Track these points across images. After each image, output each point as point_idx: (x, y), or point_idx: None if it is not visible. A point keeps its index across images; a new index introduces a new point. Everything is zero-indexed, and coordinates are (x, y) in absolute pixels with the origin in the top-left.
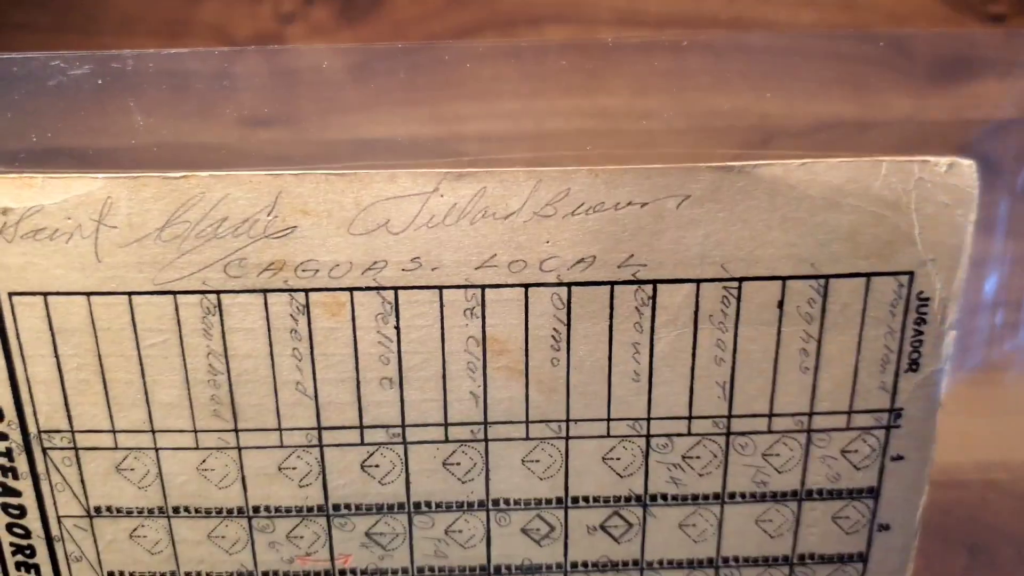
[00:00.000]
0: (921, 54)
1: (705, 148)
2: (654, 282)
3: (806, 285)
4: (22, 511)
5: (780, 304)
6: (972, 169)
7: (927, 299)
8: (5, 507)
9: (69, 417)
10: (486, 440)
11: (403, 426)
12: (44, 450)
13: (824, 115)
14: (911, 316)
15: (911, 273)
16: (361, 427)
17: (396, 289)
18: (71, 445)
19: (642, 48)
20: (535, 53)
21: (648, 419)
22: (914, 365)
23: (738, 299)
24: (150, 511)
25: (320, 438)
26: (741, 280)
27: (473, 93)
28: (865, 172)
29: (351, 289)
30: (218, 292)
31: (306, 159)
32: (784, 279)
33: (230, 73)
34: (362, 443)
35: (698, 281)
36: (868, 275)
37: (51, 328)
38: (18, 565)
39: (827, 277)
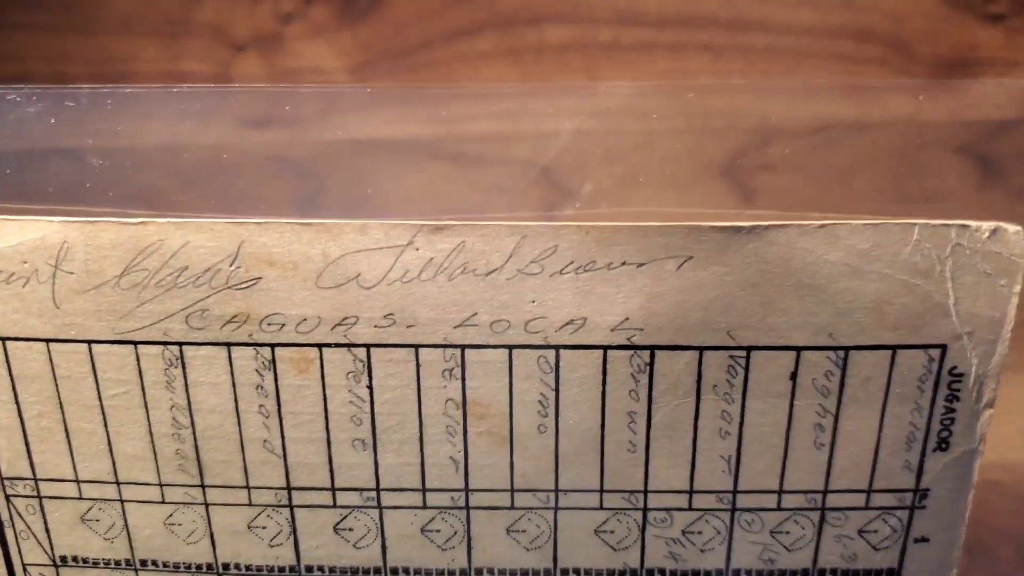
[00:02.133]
0: (921, 54)
1: (706, 148)
2: (652, 348)
3: (823, 356)
4: None
5: (793, 376)
6: (1020, 236)
7: (961, 375)
8: None
9: (32, 465)
10: (467, 508)
11: (378, 489)
12: (7, 497)
13: (824, 115)
14: (942, 392)
15: (944, 347)
16: (333, 489)
17: (368, 347)
18: (35, 493)
19: (642, 47)
20: (535, 53)
21: (645, 492)
22: (943, 444)
23: (746, 369)
24: (117, 563)
25: (290, 498)
26: (750, 349)
27: (473, 93)
28: (894, 237)
29: (320, 345)
30: (180, 344)
31: (306, 159)
32: (798, 349)
33: (185, 111)
34: (335, 505)
35: (701, 348)
36: (894, 347)
37: (11, 374)
38: None
39: (847, 348)
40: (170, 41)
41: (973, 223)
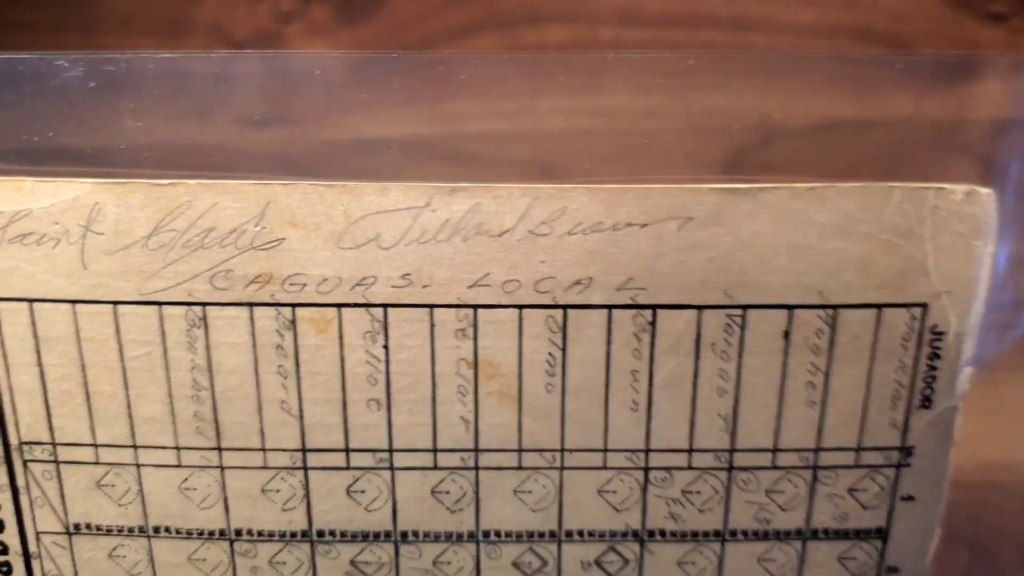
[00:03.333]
0: (922, 53)
1: (706, 148)
2: (654, 307)
3: (814, 315)
4: (0, 526)
5: (786, 334)
6: (991, 198)
7: (941, 333)
8: None
9: (51, 429)
10: (477, 468)
11: (391, 451)
12: (25, 462)
13: (825, 115)
14: (924, 350)
15: (925, 305)
16: (347, 450)
17: (386, 306)
18: (52, 458)
19: (642, 47)
20: (535, 53)
21: (647, 451)
22: (927, 402)
23: (742, 327)
24: (130, 530)
25: (305, 460)
26: (745, 308)
27: (473, 93)
28: (877, 198)
29: (339, 305)
30: (204, 304)
31: (306, 159)
32: (791, 308)
33: (228, 75)
34: (348, 467)
35: (700, 307)
36: (880, 306)
37: (35, 336)
38: None
39: (836, 307)
40: (169, 41)
41: (948, 185)
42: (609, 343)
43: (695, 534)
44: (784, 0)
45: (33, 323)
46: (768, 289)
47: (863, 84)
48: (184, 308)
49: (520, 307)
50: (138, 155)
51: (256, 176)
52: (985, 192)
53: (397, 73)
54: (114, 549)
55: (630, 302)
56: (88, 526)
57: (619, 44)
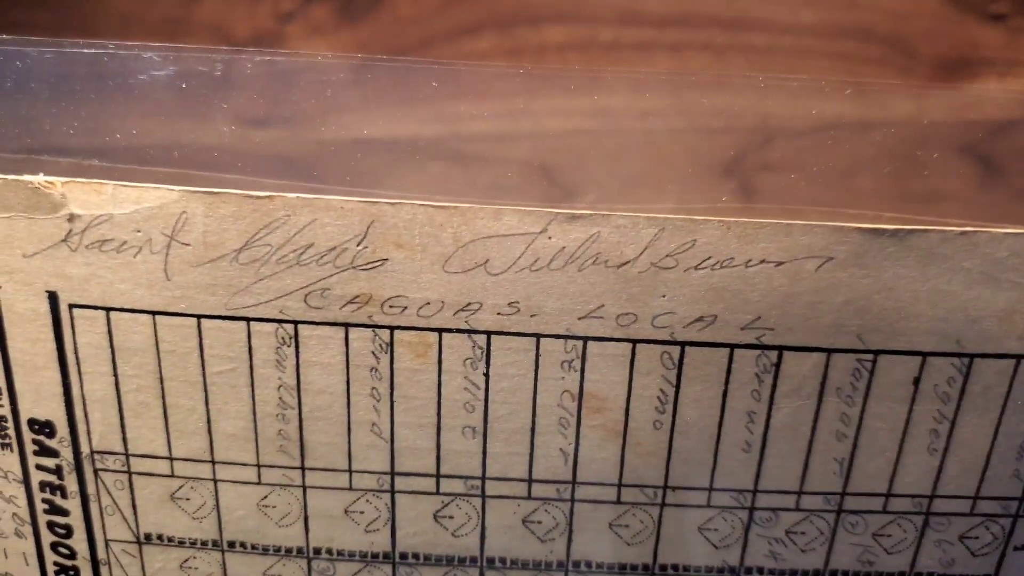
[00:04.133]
0: (922, 54)
1: (706, 148)
2: (780, 348)
3: (948, 363)
4: (68, 531)
5: (916, 381)
6: None
7: None
8: (51, 525)
9: (124, 439)
10: (572, 500)
11: (483, 478)
12: (96, 471)
13: (825, 115)
14: None
15: None
16: (438, 475)
17: (489, 334)
18: (125, 468)
19: (642, 48)
20: (535, 53)
21: (754, 492)
22: None
23: (871, 372)
24: (203, 543)
25: (392, 483)
26: (877, 352)
27: (473, 93)
28: None
29: (440, 330)
30: (296, 322)
31: (305, 160)
32: (925, 355)
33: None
34: (437, 492)
35: (830, 351)
36: (1019, 357)
37: (111, 345)
38: None
39: (972, 356)
40: (169, 40)
41: None
42: (727, 383)
43: (794, 572)
44: (784, 0)
45: (109, 332)
46: (903, 334)
47: (863, 84)
48: (274, 325)
49: (634, 341)
50: (231, 161)
51: (263, 177)
52: None
53: (397, 74)
54: (185, 561)
55: (755, 342)
56: (160, 537)
57: (619, 44)
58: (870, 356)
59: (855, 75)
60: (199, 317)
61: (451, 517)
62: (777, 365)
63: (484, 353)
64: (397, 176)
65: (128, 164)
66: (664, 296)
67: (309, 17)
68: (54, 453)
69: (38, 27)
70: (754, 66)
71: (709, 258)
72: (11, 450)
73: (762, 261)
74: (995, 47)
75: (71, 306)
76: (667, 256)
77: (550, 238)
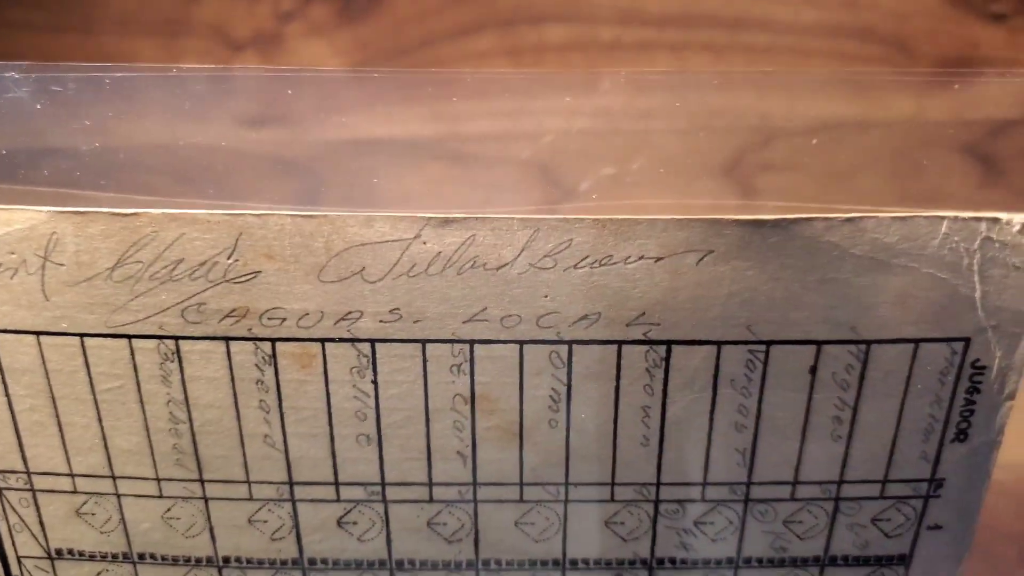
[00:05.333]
0: (923, 53)
1: (706, 148)
2: (668, 343)
3: (844, 350)
4: None
5: (813, 369)
6: None
7: (983, 367)
8: None
9: (24, 458)
10: (475, 501)
11: (383, 484)
12: (0, 490)
13: (825, 115)
14: (963, 384)
15: (967, 339)
16: (336, 483)
17: (373, 341)
18: (28, 486)
19: (642, 47)
20: (535, 52)
21: (657, 484)
22: (962, 435)
23: (765, 363)
24: (114, 556)
25: (292, 493)
26: (769, 343)
27: (473, 93)
28: (922, 230)
29: (322, 340)
30: (176, 338)
31: (305, 159)
32: (819, 343)
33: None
34: (338, 500)
35: (720, 343)
36: (916, 341)
37: (0, 367)
38: None
39: (869, 342)
40: (169, 40)
41: (1004, 215)
42: (618, 379)
43: (707, 562)
44: (784, 0)
45: None
46: (796, 324)
47: (863, 84)
48: (156, 341)
49: (521, 342)
50: (97, 179)
51: (247, 180)
52: None
53: (397, 72)
54: (99, 574)
55: (642, 338)
56: (71, 552)
57: (619, 44)
58: (762, 347)
59: (855, 75)
60: (81, 336)
61: (355, 523)
62: (667, 359)
63: (370, 361)
64: (396, 176)
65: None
66: (546, 296)
67: (309, 17)
68: None
69: (38, 27)
70: (754, 66)
71: (587, 257)
72: None
73: (640, 257)
74: (995, 47)
75: None
76: (545, 256)
77: (425, 243)
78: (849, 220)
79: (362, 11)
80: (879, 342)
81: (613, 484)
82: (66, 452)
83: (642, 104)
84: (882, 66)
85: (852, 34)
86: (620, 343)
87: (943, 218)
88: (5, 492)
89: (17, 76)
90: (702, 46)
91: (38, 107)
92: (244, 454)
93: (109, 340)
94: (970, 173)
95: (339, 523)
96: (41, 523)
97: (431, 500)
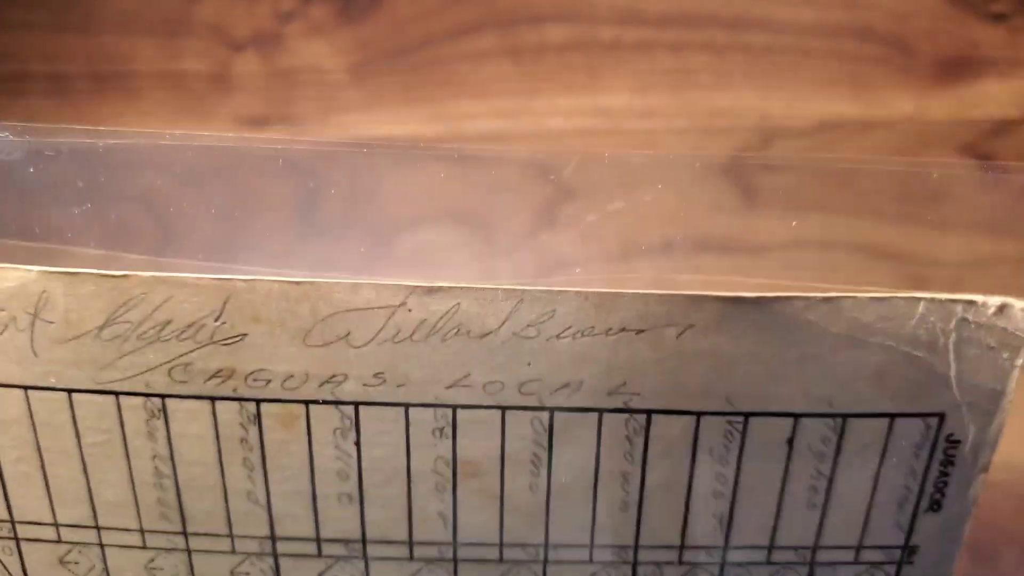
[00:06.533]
0: (923, 53)
1: (706, 148)
2: (648, 411)
3: (821, 423)
4: None
5: (790, 441)
6: None
7: (957, 441)
8: None
9: (9, 507)
10: (455, 560)
11: (364, 541)
12: None
13: (825, 114)
14: (937, 457)
15: (942, 415)
16: (318, 539)
17: (357, 404)
18: (12, 535)
19: (642, 47)
20: (535, 52)
21: (635, 547)
22: (936, 505)
23: (743, 434)
24: None
25: (274, 548)
26: (748, 415)
27: (473, 92)
28: (899, 310)
29: (307, 402)
30: (163, 396)
31: (305, 159)
32: (796, 416)
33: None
34: (320, 555)
35: (699, 414)
36: (892, 415)
37: None
38: None
39: (845, 416)
40: (169, 40)
41: (979, 298)
42: (599, 446)
43: None
44: (784, 0)
45: None
46: (774, 397)
47: (863, 84)
48: (142, 399)
49: (503, 408)
50: (86, 239)
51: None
52: (1020, 306)
53: (397, 71)
54: None
55: (623, 406)
56: None
57: (619, 44)
58: (740, 418)
59: (855, 75)
60: (69, 391)
61: None
62: (647, 428)
63: (353, 423)
64: (397, 176)
65: None
66: (529, 364)
67: (308, 17)
68: None
69: (38, 26)
70: (754, 66)
71: (570, 327)
72: None
73: (622, 329)
74: (995, 47)
75: None
76: (528, 326)
77: (410, 311)
78: (827, 299)
79: (362, 11)
80: (856, 416)
81: (592, 546)
82: (51, 502)
83: (642, 104)
84: (882, 66)
85: (852, 34)
86: (601, 411)
87: (919, 299)
88: None
89: (12, 138)
90: (702, 46)
91: (31, 171)
92: (227, 509)
93: (97, 396)
94: (970, 173)
95: None
96: (24, 571)
97: (411, 558)
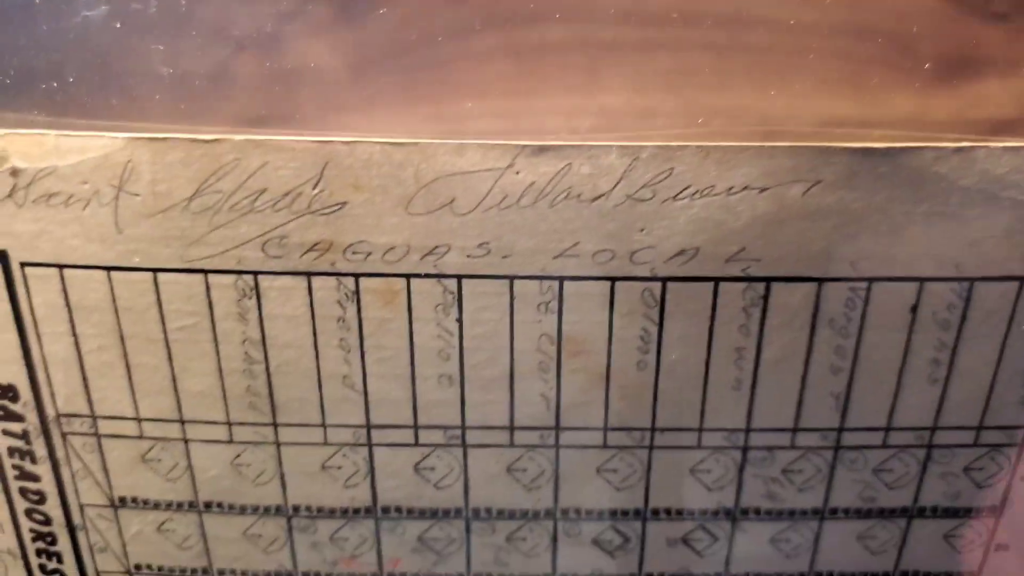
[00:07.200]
0: (923, 53)
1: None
2: (768, 279)
3: (947, 288)
4: (42, 497)
5: (914, 308)
6: None
7: None
8: (24, 491)
9: (90, 401)
10: (557, 447)
11: (463, 427)
12: (64, 435)
13: (826, 114)
14: None
15: None
16: (416, 427)
17: (459, 277)
18: (93, 431)
19: (642, 47)
20: (535, 52)
21: (747, 430)
22: None
23: (866, 302)
24: (179, 505)
25: (369, 437)
26: (871, 280)
27: (473, 92)
28: None
29: (408, 276)
30: (255, 273)
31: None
32: (922, 280)
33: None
34: (416, 444)
35: (821, 280)
36: (1022, 279)
37: (68, 304)
38: (39, 552)
39: (972, 280)
40: (169, 40)
41: None
42: (713, 319)
43: (792, 513)
44: (784, 0)
45: (64, 290)
46: (898, 260)
47: (865, 83)
48: (234, 277)
49: (613, 279)
50: (174, 108)
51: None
52: None
53: (397, 71)
54: (163, 523)
55: (741, 274)
56: (135, 500)
57: (619, 44)
58: (864, 284)
59: (855, 74)
60: (155, 271)
61: (432, 468)
62: (765, 298)
63: (455, 298)
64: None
65: (67, 117)
66: (642, 230)
67: (309, 17)
68: (19, 418)
69: None
70: (754, 66)
71: (688, 187)
72: None
73: (745, 188)
74: (996, 46)
75: (23, 264)
76: (643, 187)
77: (518, 173)
78: (958, 150)
79: (362, 11)
80: (983, 279)
81: (701, 430)
82: (133, 395)
83: (642, 104)
84: (882, 66)
85: (852, 34)
86: (717, 280)
87: None
88: (69, 437)
89: None
90: (702, 46)
91: (116, 26)
92: (321, 396)
93: (184, 275)
94: None
95: (416, 468)
96: (105, 470)
97: (512, 445)
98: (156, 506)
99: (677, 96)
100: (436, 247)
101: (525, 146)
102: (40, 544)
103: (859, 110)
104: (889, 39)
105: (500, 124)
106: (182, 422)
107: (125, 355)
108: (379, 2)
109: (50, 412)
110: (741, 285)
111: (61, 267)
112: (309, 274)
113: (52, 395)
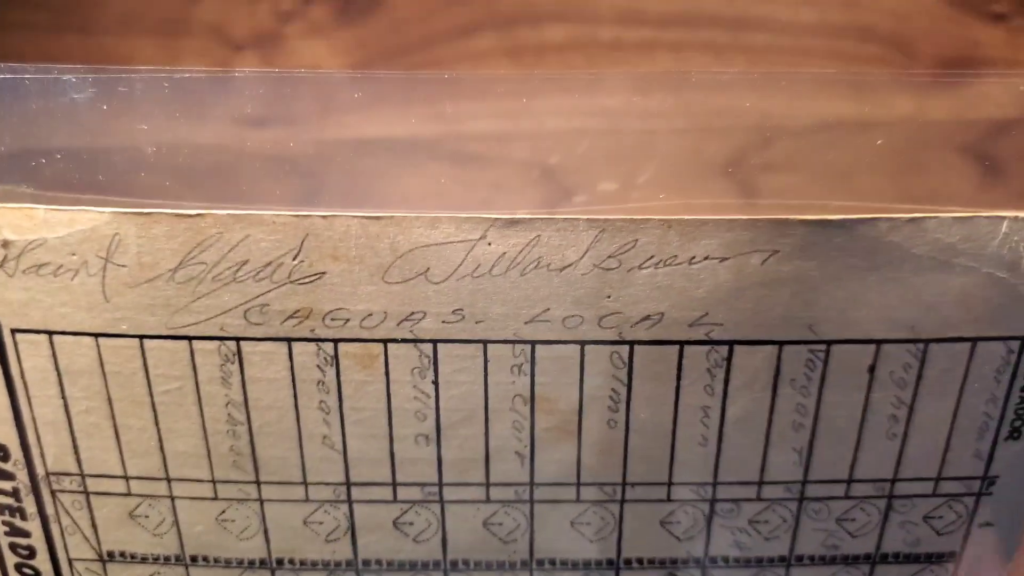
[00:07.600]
0: (922, 53)
1: (706, 148)
2: (730, 343)
3: (903, 349)
4: (31, 552)
5: (871, 369)
6: None
7: None
8: (14, 547)
9: (78, 460)
10: (531, 501)
11: (440, 484)
12: (53, 492)
13: (825, 114)
14: (1018, 382)
15: (1023, 338)
16: (394, 484)
17: (435, 342)
18: (81, 489)
19: (642, 47)
20: (535, 52)
21: (714, 484)
22: (1015, 433)
23: (825, 363)
24: (166, 558)
25: (349, 494)
26: (830, 343)
27: (473, 93)
28: (982, 230)
29: (385, 341)
30: (238, 339)
31: (305, 159)
32: (879, 342)
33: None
34: (395, 500)
35: (781, 343)
36: (974, 340)
37: (57, 368)
38: None
39: (927, 341)
40: (169, 40)
41: None
42: (679, 380)
43: (759, 560)
44: (784, 0)
45: (54, 355)
46: (856, 323)
47: (863, 84)
48: (217, 343)
49: (582, 343)
50: (159, 182)
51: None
52: None
53: (397, 72)
54: None
55: (704, 338)
56: (122, 554)
57: (619, 44)
58: (823, 346)
59: (855, 75)
60: (141, 338)
61: (411, 523)
62: (728, 359)
63: (431, 361)
64: (397, 176)
65: (56, 191)
66: (609, 297)
67: (308, 17)
68: (10, 476)
69: (37, 27)
70: (754, 66)
71: (652, 257)
72: None
73: (706, 258)
74: (995, 46)
75: (13, 331)
76: (609, 257)
77: (489, 244)
78: (912, 220)
79: (362, 11)
80: (938, 341)
81: (670, 484)
82: (121, 454)
83: (642, 104)
84: (882, 66)
85: (852, 34)
86: (682, 343)
87: (1003, 218)
88: (59, 494)
89: (75, 80)
90: (702, 46)
91: (103, 108)
92: (302, 455)
93: (169, 342)
94: (970, 173)
95: (395, 524)
96: (94, 525)
97: (488, 500)
98: (144, 560)
99: (677, 96)
100: (412, 313)
101: (496, 219)
102: None
103: (859, 110)
104: (889, 39)
105: (500, 124)
106: (168, 480)
107: (113, 417)
108: (379, 2)
109: (40, 471)
110: (705, 348)
111: (51, 333)
112: (290, 340)
113: (42, 454)
